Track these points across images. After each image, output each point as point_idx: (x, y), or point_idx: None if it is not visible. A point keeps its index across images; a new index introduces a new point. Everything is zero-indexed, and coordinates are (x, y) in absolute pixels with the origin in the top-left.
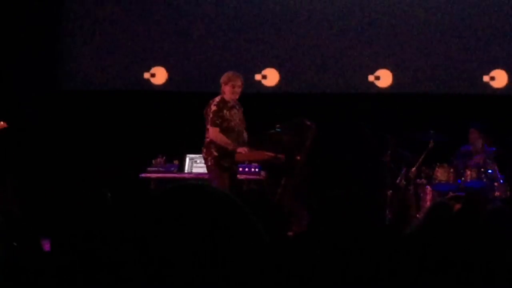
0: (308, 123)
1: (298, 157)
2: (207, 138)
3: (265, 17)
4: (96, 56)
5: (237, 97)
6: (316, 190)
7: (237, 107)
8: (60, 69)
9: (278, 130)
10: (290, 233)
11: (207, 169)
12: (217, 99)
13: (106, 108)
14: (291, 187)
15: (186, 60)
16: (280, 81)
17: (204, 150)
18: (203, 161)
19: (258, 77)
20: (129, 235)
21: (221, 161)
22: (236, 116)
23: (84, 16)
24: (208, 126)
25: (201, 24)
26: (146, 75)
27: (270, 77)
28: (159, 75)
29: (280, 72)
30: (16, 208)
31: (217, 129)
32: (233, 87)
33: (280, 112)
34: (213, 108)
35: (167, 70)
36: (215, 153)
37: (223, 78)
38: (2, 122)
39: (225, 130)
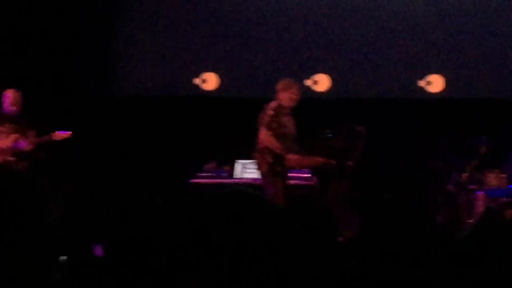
0: (359, 128)
1: (349, 163)
2: (261, 143)
3: (316, 22)
4: (148, 62)
5: (294, 104)
6: (367, 195)
7: (291, 115)
8: (113, 76)
9: (329, 135)
10: (340, 239)
11: (261, 175)
12: (273, 104)
13: (158, 113)
14: (342, 192)
15: (237, 66)
16: (331, 87)
17: (258, 156)
18: (253, 167)
19: (308, 82)
20: (178, 240)
21: (275, 167)
22: (290, 123)
23: (137, 22)
24: (261, 128)
25: (251, 30)
26: (197, 81)
27: (321, 82)
28: (210, 81)
29: (331, 78)
30: (69, 213)
31: (270, 132)
32: (292, 94)
33: (330, 118)
34: (270, 112)
35: (218, 76)
36: (270, 159)
37: (280, 85)
38: (67, 132)
39: (281, 136)
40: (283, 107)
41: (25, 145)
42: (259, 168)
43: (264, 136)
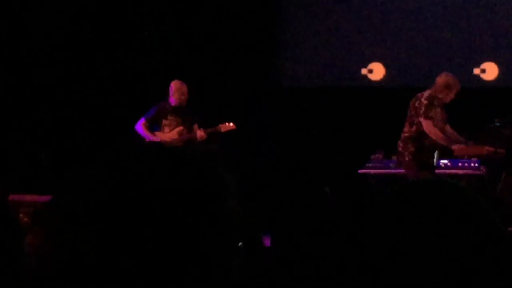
0: None
1: None
2: (405, 132)
3: (481, 10)
4: (314, 53)
5: (448, 102)
6: None
7: (442, 106)
8: (281, 67)
9: (498, 124)
10: (510, 229)
11: (404, 164)
12: (427, 94)
13: (325, 104)
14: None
15: (403, 56)
16: (498, 76)
17: (401, 145)
18: None
19: (476, 71)
20: (349, 233)
21: (419, 156)
22: (438, 115)
23: (303, 13)
24: (421, 119)
25: (419, 19)
26: (364, 71)
27: (489, 71)
28: (376, 71)
29: (499, 66)
30: (237, 205)
31: (431, 122)
32: (452, 94)
33: (500, 106)
34: (425, 102)
35: (385, 66)
36: (412, 148)
37: (442, 81)
38: (231, 124)
39: None
40: (437, 98)
41: (200, 134)
42: (401, 158)
43: (427, 127)
